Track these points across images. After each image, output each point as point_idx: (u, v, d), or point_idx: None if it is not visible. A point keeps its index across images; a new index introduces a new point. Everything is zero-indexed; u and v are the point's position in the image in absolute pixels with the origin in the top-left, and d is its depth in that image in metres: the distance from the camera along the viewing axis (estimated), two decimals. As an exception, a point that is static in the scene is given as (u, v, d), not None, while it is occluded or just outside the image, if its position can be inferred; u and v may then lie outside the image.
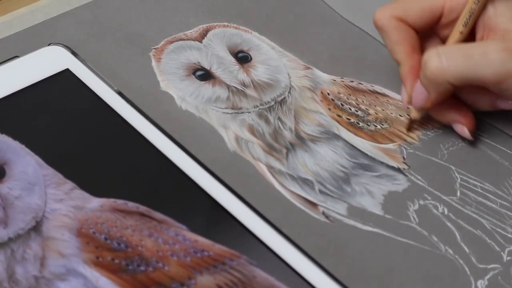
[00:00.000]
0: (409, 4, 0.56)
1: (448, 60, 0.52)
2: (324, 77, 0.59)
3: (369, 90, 0.59)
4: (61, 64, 0.55)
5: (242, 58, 0.60)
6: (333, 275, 0.46)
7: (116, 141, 0.52)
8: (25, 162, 0.49)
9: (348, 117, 0.57)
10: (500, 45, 0.52)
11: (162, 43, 0.60)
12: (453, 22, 0.56)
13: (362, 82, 0.59)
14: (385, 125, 0.57)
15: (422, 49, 0.57)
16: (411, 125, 0.56)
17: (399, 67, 0.56)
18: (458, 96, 0.56)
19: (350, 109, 0.57)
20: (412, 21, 0.56)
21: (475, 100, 0.55)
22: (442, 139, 0.56)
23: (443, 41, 0.57)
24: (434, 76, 0.52)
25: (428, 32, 0.57)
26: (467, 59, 0.52)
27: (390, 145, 0.55)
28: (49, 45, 0.57)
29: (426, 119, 0.57)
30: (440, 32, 0.57)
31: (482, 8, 0.54)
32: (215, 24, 0.62)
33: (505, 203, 0.53)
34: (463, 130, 0.55)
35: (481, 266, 0.49)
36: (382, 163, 0.54)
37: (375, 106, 0.58)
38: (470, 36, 0.55)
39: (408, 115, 0.56)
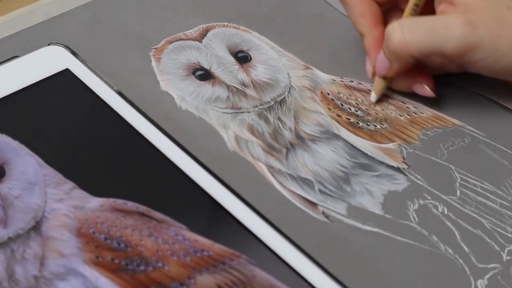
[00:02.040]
0: None
1: (411, 34, 0.53)
2: (324, 77, 0.59)
3: (368, 90, 0.59)
4: (61, 64, 0.55)
5: (242, 58, 0.60)
6: (332, 274, 0.46)
7: (116, 141, 0.52)
8: (25, 162, 0.49)
9: (347, 117, 0.57)
10: (461, 19, 0.53)
11: (162, 43, 0.60)
12: None
13: (362, 82, 0.59)
14: (385, 125, 0.57)
15: (384, 21, 0.58)
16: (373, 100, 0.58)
17: (362, 39, 0.58)
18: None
19: (350, 109, 0.57)
20: None
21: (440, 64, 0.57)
22: (441, 139, 0.56)
23: None
24: (397, 49, 0.54)
25: (390, 5, 0.58)
26: (430, 33, 0.53)
27: (390, 145, 0.55)
28: (49, 45, 0.57)
29: (426, 119, 0.57)
30: (402, 5, 0.58)
31: None
32: (215, 24, 0.62)
33: (505, 202, 0.53)
34: (423, 88, 0.56)
35: (481, 265, 0.49)
36: (382, 162, 0.54)
37: (374, 106, 0.58)
38: (429, 7, 0.56)
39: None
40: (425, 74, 0.57)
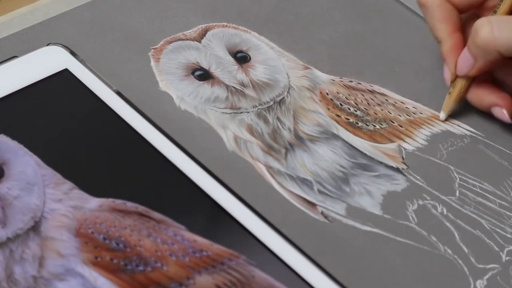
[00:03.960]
0: None
1: (499, 29, 0.53)
2: (323, 77, 0.59)
3: (368, 89, 0.59)
4: (60, 64, 0.55)
5: (241, 58, 0.60)
6: (331, 275, 0.46)
7: (115, 141, 0.52)
8: (24, 162, 0.49)
9: (347, 117, 0.57)
10: None
11: (161, 43, 0.60)
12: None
13: (361, 82, 0.59)
14: (384, 125, 0.56)
15: (463, 30, 0.57)
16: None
17: (439, 45, 0.57)
18: (496, 79, 0.56)
19: (349, 109, 0.57)
20: (457, 1, 0.57)
21: None
22: (441, 139, 0.56)
23: None
24: (484, 44, 0.53)
25: (470, 14, 0.58)
26: None
27: (389, 145, 0.55)
28: (48, 45, 0.57)
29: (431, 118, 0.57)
30: (483, 14, 0.57)
31: None
32: (214, 24, 0.62)
33: (504, 203, 0.53)
34: (502, 113, 0.55)
35: (480, 266, 0.49)
36: (381, 163, 0.54)
37: (374, 106, 0.58)
38: None
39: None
40: (507, 98, 0.56)
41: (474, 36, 0.54)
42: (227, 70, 0.59)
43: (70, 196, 0.48)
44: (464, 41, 0.56)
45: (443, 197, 0.53)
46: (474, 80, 0.56)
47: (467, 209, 0.52)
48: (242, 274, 0.46)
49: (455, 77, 0.56)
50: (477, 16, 0.58)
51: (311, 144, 0.55)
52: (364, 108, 0.57)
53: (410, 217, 0.51)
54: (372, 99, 0.58)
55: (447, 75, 0.57)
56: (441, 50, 0.57)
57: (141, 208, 0.48)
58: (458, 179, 0.54)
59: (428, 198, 0.52)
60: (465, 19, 0.58)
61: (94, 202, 0.48)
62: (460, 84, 0.56)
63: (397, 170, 0.54)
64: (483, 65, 0.55)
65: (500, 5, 0.56)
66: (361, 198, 0.52)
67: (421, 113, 0.58)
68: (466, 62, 0.55)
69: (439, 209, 0.52)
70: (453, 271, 0.49)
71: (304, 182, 0.53)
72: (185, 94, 0.57)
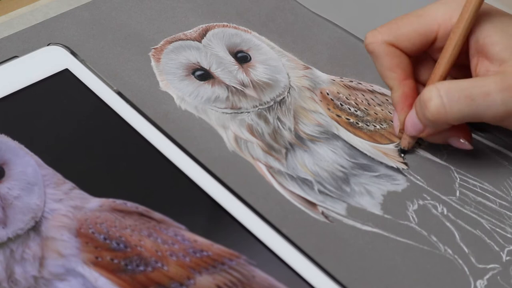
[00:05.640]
0: (400, 28, 0.54)
1: (450, 103, 0.50)
2: (324, 77, 0.59)
3: (368, 90, 0.59)
4: (61, 64, 0.55)
5: (242, 58, 0.60)
6: (332, 275, 0.46)
7: (115, 141, 0.52)
8: (25, 162, 0.49)
9: (347, 117, 0.57)
10: (500, 84, 0.50)
11: (161, 43, 0.60)
12: None
13: (361, 82, 0.59)
14: (384, 125, 0.57)
15: (414, 73, 0.55)
16: (401, 153, 0.55)
17: (391, 92, 0.55)
18: None
19: (350, 109, 0.57)
20: (404, 47, 0.54)
21: None
22: (441, 139, 0.56)
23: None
24: (435, 118, 0.51)
25: (422, 55, 0.55)
26: (469, 102, 0.50)
27: (389, 145, 0.55)
28: (48, 45, 0.57)
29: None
30: (434, 54, 0.55)
31: (466, 38, 0.53)
32: (215, 24, 0.62)
33: (504, 203, 0.53)
34: (461, 142, 0.53)
35: (480, 266, 0.49)
36: (381, 163, 0.54)
37: (374, 106, 0.58)
38: (464, 57, 0.54)
39: (399, 145, 0.55)
40: (462, 126, 0.54)
41: (423, 108, 0.51)
42: (227, 70, 0.59)
43: (71, 196, 0.48)
44: (415, 88, 0.54)
45: (444, 197, 0.53)
46: None
47: (468, 209, 0.52)
48: (243, 274, 0.46)
49: (403, 128, 0.54)
50: (429, 56, 0.55)
51: (311, 144, 0.55)
52: (365, 108, 0.58)
53: (411, 217, 0.51)
54: (372, 99, 0.58)
55: (396, 124, 0.55)
56: (391, 98, 0.55)
57: (141, 208, 0.48)
58: (458, 179, 0.54)
59: (428, 198, 0.53)
60: (416, 59, 0.56)
61: (94, 202, 0.48)
62: (408, 137, 0.54)
63: (398, 170, 0.54)
64: (432, 132, 0.53)
65: (437, 67, 0.53)
66: (362, 198, 0.52)
67: (421, 113, 0.57)
68: (414, 127, 0.53)
69: (440, 209, 0.52)
70: (453, 271, 0.49)
71: (304, 182, 0.53)
72: (185, 94, 0.57)
